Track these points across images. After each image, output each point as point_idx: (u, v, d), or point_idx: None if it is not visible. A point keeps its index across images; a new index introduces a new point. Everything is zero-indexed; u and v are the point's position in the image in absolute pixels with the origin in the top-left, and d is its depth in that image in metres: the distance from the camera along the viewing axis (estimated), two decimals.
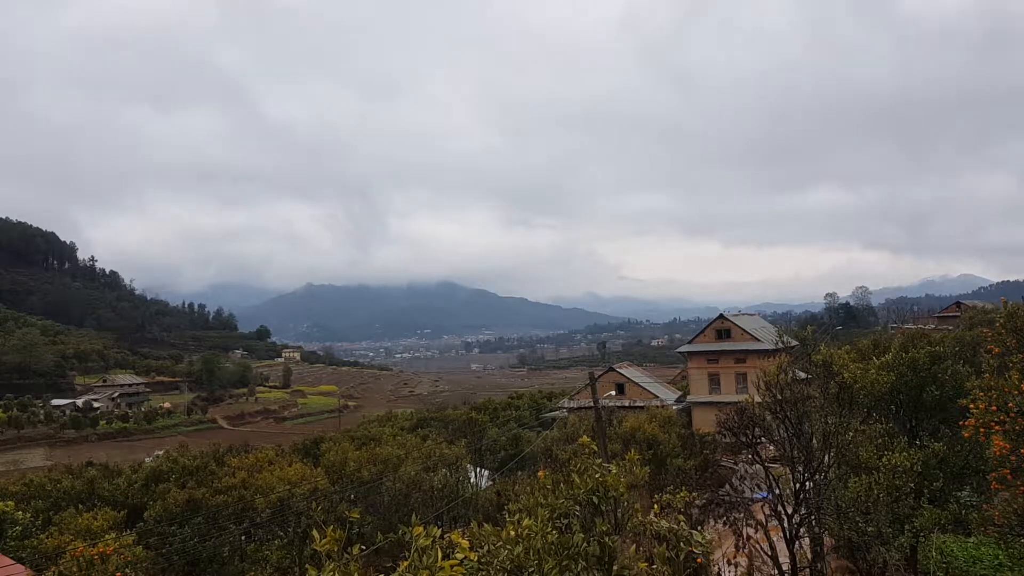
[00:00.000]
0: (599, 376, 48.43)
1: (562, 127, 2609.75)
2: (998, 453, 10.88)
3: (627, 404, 56.28)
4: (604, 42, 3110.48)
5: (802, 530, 20.62)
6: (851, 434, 18.81)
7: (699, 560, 6.45)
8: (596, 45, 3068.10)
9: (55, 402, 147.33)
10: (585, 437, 7.24)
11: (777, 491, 20.89)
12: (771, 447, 24.89)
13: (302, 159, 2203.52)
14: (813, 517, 19.81)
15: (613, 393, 58.63)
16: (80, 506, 29.04)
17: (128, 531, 23.82)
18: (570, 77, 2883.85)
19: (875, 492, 16.60)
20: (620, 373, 66.32)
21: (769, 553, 20.88)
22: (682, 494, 7.52)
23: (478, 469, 42.85)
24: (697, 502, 25.78)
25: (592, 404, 31.83)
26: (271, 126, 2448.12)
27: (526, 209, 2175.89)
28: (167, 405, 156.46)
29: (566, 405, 65.60)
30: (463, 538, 5.30)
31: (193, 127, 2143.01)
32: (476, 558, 5.48)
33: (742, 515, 25.20)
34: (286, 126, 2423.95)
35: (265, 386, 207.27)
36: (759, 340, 59.14)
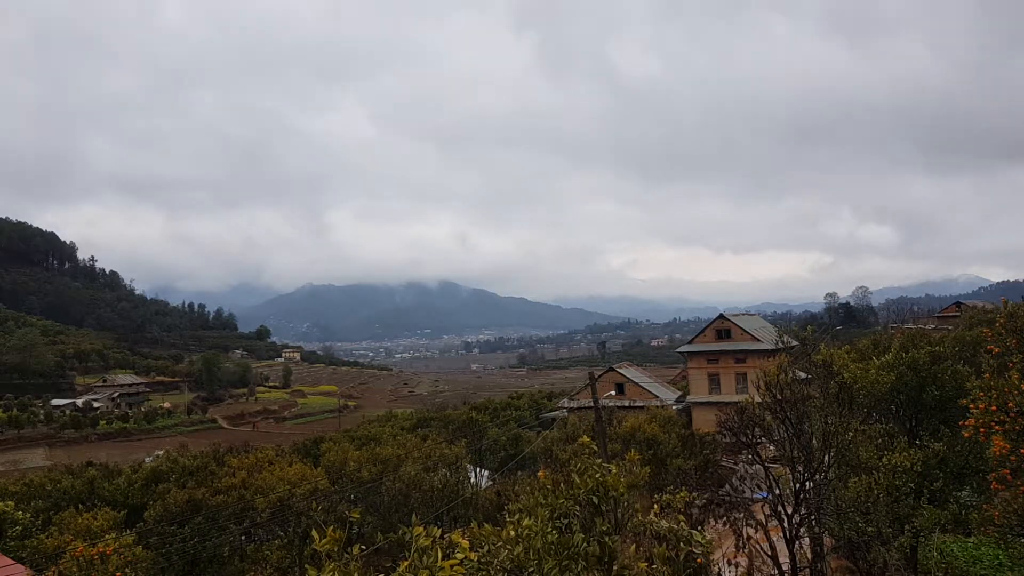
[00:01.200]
0: (599, 376, 48.43)
1: (501, 144, 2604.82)
2: (998, 453, 10.88)
3: (627, 404, 56.29)
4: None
5: (802, 530, 20.62)
6: (851, 434, 18.81)
7: (699, 560, 6.44)
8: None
9: (55, 402, 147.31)
10: (585, 437, 7.24)
11: (777, 491, 20.89)
12: (771, 447, 24.91)
13: (267, 171, 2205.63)
14: (813, 517, 19.81)
15: (613, 393, 58.65)
16: (80, 506, 29.04)
17: (128, 531, 23.81)
18: (494, 95, 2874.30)
19: (875, 492, 16.60)
20: (620, 373, 66.31)
21: (769, 553, 20.89)
22: (682, 494, 7.51)
23: (478, 469, 42.87)
24: (697, 502, 25.79)
25: (592, 404, 31.83)
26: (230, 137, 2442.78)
27: (501, 217, 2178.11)
28: (167, 405, 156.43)
29: (566, 405, 65.59)
30: (463, 538, 5.31)
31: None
32: (476, 558, 5.48)
33: (742, 515, 25.21)
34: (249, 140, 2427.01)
35: (265, 386, 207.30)
36: (759, 340, 59.14)
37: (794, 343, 27.43)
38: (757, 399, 22.09)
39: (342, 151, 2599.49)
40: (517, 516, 5.96)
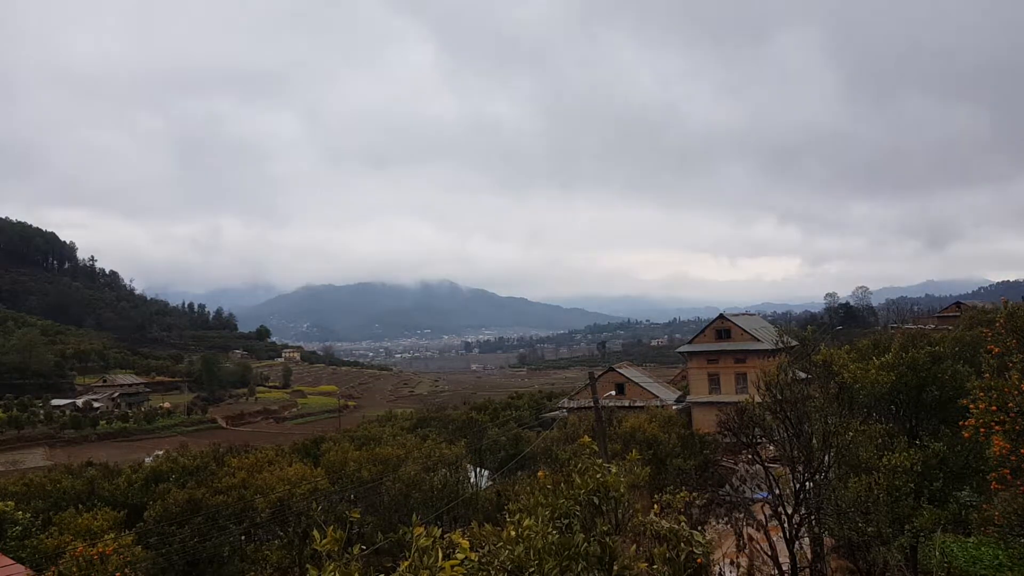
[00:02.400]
0: (599, 376, 48.44)
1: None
2: (998, 453, 10.88)
3: (627, 404, 56.30)
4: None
5: (802, 530, 20.64)
6: (851, 434, 18.82)
7: (699, 560, 6.44)
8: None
9: (55, 402, 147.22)
10: (585, 437, 7.24)
11: (777, 491, 20.91)
12: (771, 447, 24.93)
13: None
14: (813, 517, 19.83)
15: (613, 393, 58.67)
16: (80, 506, 29.03)
17: (128, 531, 23.83)
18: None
19: (875, 492, 16.60)
20: (620, 373, 66.35)
21: (769, 553, 20.90)
22: (682, 494, 7.51)
23: (478, 469, 42.83)
24: (697, 502, 25.81)
25: (592, 404, 31.84)
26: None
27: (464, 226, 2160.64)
28: (167, 405, 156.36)
29: (566, 405, 65.62)
30: (463, 538, 5.30)
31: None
32: (477, 558, 5.48)
33: (742, 515, 25.26)
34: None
35: (265, 386, 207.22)
36: (759, 340, 59.16)
37: (794, 343, 27.43)
38: (757, 399, 22.11)
39: (299, 164, 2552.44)
40: (517, 516, 5.96)
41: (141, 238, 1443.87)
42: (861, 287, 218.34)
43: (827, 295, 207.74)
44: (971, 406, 11.48)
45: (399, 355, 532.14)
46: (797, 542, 20.53)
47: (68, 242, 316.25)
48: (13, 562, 16.79)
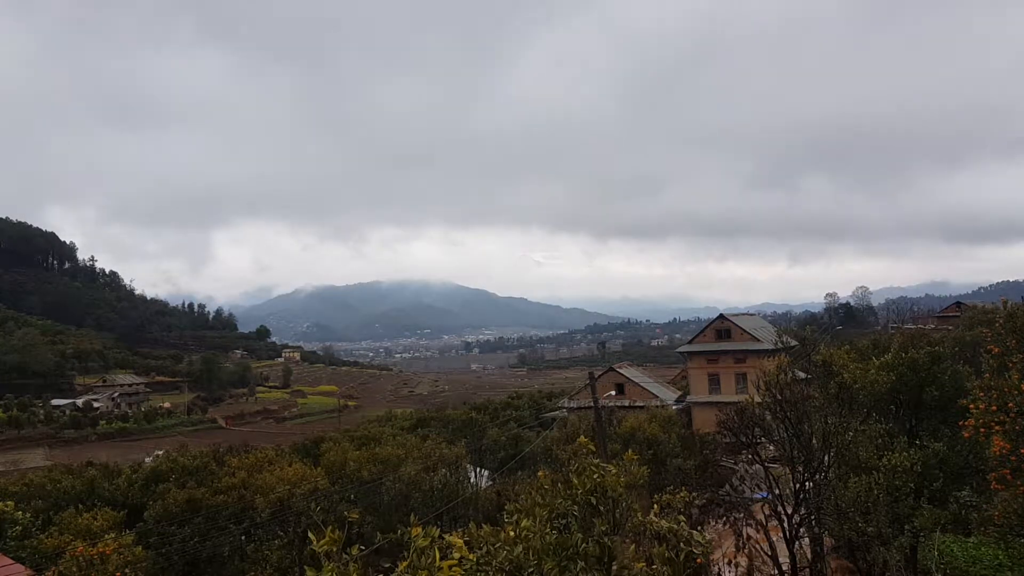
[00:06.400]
0: (599, 376, 48.45)
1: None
2: (998, 453, 10.89)
3: (627, 404, 56.28)
4: None
5: (802, 530, 20.64)
6: (851, 434, 18.82)
7: (699, 560, 6.43)
8: None
9: (55, 402, 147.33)
10: (583, 437, 7.23)
11: (777, 491, 20.92)
12: (771, 447, 24.93)
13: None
14: (813, 517, 19.83)
15: (613, 393, 58.64)
16: (80, 506, 28.99)
17: (128, 531, 23.80)
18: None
19: (875, 492, 16.59)
20: (620, 373, 66.33)
21: (769, 553, 20.90)
22: (682, 494, 7.50)
23: (478, 469, 42.83)
24: (697, 502, 25.80)
25: (592, 404, 31.84)
26: None
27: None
28: (167, 405, 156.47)
29: (566, 405, 65.61)
30: (461, 538, 5.30)
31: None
32: (475, 558, 5.47)
33: (742, 515, 25.25)
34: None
35: (265, 386, 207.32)
36: (759, 340, 59.16)
37: (794, 343, 27.45)
38: (757, 399, 22.12)
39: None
40: (516, 517, 5.95)
41: (147, 240, 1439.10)
42: (861, 287, 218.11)
43: (827, 295, 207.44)
44: (971, 406, 11.49)
45: (399, 355, 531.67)
46: (797, 542, 20.54)
47: (68, 242, 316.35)
48: (13, 562, 16.77)
